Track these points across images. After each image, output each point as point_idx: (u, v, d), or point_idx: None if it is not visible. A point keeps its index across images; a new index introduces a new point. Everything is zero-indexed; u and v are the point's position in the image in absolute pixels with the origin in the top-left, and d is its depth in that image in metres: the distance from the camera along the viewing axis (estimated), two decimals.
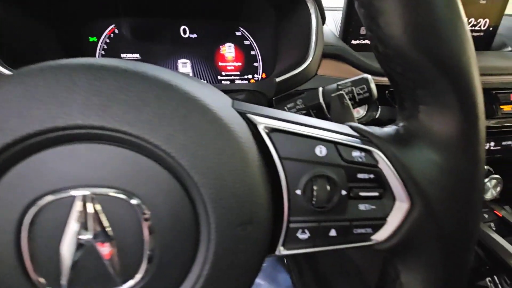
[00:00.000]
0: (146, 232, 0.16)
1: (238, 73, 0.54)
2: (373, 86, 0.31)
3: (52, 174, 0.15)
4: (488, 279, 0.51)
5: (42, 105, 0.14)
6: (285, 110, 0.34)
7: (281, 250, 0.20)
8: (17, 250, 0.15)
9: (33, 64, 0.15)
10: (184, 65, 0.52)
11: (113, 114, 0.15)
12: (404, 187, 0.19)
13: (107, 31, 0.47)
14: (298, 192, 0.19)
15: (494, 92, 0.46)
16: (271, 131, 0.19)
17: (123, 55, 0.49)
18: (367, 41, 0.57)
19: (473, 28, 0.60)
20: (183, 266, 0.17)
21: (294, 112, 0.34)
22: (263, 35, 0.53)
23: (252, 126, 0.19)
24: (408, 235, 0.21)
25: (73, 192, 0.15)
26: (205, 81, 0.53)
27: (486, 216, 0.57)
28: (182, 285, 0.17)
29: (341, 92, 0.30)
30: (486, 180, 0.48)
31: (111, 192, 0.15)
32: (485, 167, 0.48)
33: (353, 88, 0.32)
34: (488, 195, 0.49)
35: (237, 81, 0.54)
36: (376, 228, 0.21)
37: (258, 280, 0.79)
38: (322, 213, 0.20)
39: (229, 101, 0.20)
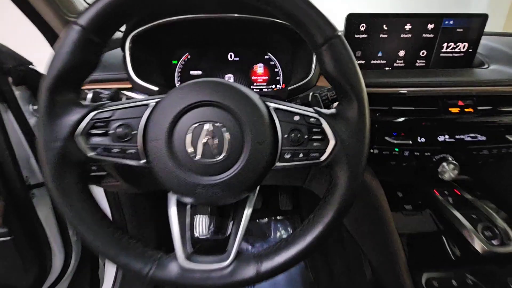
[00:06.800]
0: (227, 136, 0.39)
1: (265, 84, 0.78)
2: None
3: (198, 116, 0.40)
4: (444, 240, 0.66)
5: (196, 93, 0.40)
6: None
7: (277, 163, 0.41)
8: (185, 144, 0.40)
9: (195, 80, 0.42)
10: (229, 78, 0.78)
11: (220, 97, 0.40)
12: (333, 134, 0.40)
13: (183, 56, 0.75)
14: (286, 135, 0.40)
15: (444, 99, 0.63)
16: (275, 109, 0.42)
17: (191, 72, 0.76)
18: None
19: (453, 50, 0.75)
20: (237, 155, 0.40)
21: None
22: (284, 58, 0.76)
23: (266, 106, 0.42)
24: (335, 156, 0.41)
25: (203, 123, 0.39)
26: None
27: (446, 192, 0.72)
28: (235, 165, 0.40)
29: (316, 94, 0.52)
30: (444, 163, 0.63)
31: (218, 124, 0.39)
32: (443, 154, 0.63)
33: (327, 93, 0.53)
34: (446, 176, 0.64)
35: (264, 89, 0.78)
36: (321, 153, 0.41)
37: None
38: (297, 145, 0.40)
39: (258, 96, 0.43)
